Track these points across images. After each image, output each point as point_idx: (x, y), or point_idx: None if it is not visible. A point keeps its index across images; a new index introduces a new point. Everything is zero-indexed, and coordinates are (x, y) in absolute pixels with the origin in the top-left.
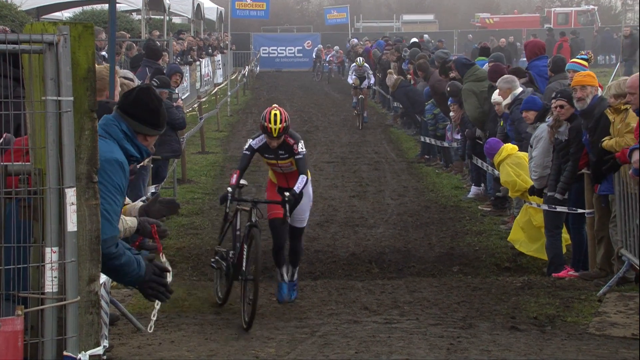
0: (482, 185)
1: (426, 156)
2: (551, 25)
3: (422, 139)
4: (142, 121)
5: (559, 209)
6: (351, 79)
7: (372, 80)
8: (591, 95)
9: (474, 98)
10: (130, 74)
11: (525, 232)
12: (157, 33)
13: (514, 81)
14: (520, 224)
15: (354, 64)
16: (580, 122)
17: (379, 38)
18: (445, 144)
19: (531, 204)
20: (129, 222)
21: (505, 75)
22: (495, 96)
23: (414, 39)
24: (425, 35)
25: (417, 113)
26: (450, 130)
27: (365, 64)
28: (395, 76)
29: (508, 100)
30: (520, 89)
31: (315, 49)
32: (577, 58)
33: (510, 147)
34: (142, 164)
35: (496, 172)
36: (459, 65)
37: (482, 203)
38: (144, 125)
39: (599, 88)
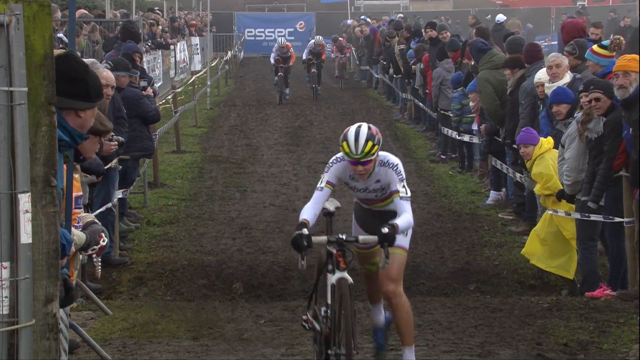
0: (503, 189)
1: (450, 154)
2: (585, 3)
3: (445, 131)
4: (66, 94)
5: (593, 217)
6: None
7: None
8: (635, 83)
9: (490, 88)
10: (97, 63)
11: (547, 245)
12: (119, 15)
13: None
14: (541, 235)
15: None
16: (619, 115)
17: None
18: (466, 139)
19: (556, 212)
20: (75, 238)
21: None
22: (542, 75)
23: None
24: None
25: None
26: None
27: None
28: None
29: (566, 79)
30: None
31: (311, 42)
32: (598, 46)
33: (551, 142)
34: (109, 165)
35: (517, 175)
36: (474, 50)
37: (502, 210)
38: (69, 98)
39: None
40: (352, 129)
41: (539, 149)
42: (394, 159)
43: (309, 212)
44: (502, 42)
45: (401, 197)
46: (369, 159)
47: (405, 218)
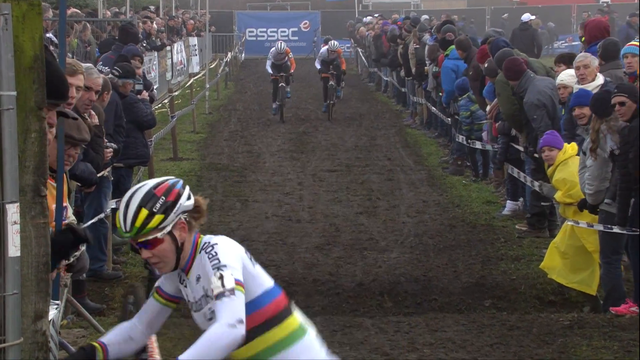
0: (520, 199)
1: (466, 162)
2: (609, 1)
3: (457, 139)
4: None
5: (617, 229)
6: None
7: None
8: None
9: (509, 91)
10: (93, 68)
11: (568, 259)
12: (109, 13)
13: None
14: (561, 247)
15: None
16: None
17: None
18: (478, 146)
19: (577, 223)
20: None
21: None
22: (565, 77)
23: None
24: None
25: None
26: (487, 129)
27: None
28: None
29: (599, 81)
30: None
31: (323, 50)
32: (636, 41)
33: (575, 148)
34: (102, 173)
35: (535, 183)
36: (495, 49)
37: (519, 221)
38: None
39: None
40: (129, 192)
41: (563, 155)
42: (218, 237)
43: (115, 331)
44: (527, 42)
45: (215, 297)
46: (149, 237)
47: (206, 338)
